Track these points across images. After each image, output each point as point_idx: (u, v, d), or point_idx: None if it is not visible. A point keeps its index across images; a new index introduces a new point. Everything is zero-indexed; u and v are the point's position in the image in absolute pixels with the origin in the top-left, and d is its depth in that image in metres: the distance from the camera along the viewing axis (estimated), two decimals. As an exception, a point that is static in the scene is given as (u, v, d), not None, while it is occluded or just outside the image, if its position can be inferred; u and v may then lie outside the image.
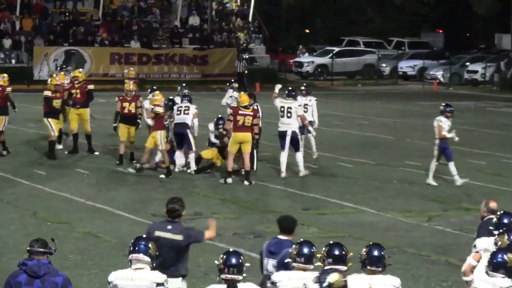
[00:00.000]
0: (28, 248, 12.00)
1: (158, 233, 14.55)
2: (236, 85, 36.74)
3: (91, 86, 34.40)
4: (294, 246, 12.72)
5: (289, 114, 31.20)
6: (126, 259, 14.33)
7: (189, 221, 22.79)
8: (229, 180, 28.99)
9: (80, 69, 36.23)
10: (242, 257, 12.18)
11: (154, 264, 12.58)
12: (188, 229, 15.26)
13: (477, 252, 14.28)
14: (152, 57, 59.92)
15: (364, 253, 12.62)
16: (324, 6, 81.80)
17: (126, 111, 30.90)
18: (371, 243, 13.15)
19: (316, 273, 12.24)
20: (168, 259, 14.28)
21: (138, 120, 31.59)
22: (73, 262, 17.11)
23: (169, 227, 14.67)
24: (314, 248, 12.62)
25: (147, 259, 12.38)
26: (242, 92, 31.92)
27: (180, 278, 13.12)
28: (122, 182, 28.89)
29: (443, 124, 28.62)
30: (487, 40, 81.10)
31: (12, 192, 26.96)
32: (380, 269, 12.54)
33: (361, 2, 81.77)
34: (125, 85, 31.56)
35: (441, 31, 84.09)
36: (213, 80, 53.22)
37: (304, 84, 37.10)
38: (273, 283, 12.48)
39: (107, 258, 18.57)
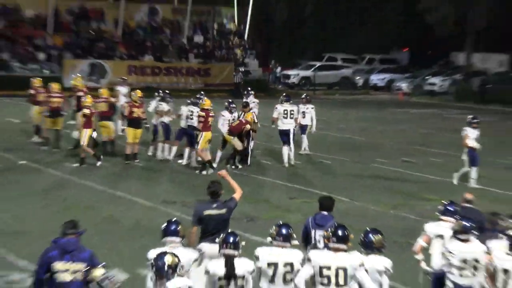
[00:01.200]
0: (62, 227, 12.33)
1: (207, 212, 14.97)
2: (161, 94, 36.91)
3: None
4: (274, 227, 12.83)
5: (291, 115, 31.65)
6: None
7: (192, 208, 23.09)
8: (204, 172, 29.17)
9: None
10: (238, 237, 12.51)
11: (183, 242, 12.78)
12: (226, 202, 15.46)
13: (427, 235, 14.62)
14: (163, 69, 59.99)
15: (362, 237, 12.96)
16: (310, 27, 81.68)
17: (135, 115, 30.64)
18: (367, 229, 13.24)
19: (296, 250, 12.65)
20: (217, 231, 14.52)
21: (147, 125, 31.62)
22: (97, 241, 17.07)
23: (214, 205, 15.09)
24: (291, 229, 12.72)
25: (178, 239, 12.60)
26: (205, 98, 31.73)
27: None
28: (137, 175, 28.82)
29: (468, 133, 28.16)
30: (445, 57, 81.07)
31: (46, 182, 27.02)
32: (371, 250, 12.73)
33: (340, 24, 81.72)
34: (136, 93, 31.37)
35: (406, 49, 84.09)
36: (214, 89, 53.11)
37: (305, 94, 37.04)
38: (256, 257, 12.48)
39: (125, 238, 18.79)
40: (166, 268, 10.99)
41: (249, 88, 38.12)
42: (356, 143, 38.86)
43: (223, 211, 15.15)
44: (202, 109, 30.15)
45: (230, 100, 33.56)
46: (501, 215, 14.54)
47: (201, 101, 31.00)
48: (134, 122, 30.70)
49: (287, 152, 31.38)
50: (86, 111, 30.14)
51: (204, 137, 29.40)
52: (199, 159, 30.15)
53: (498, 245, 13.61)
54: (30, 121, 35.29)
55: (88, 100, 30.36)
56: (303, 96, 35.84)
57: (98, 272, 11.53)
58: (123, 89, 37.73)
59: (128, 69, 59.22)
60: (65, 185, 26.79)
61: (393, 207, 24.31)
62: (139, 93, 31.69)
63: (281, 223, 12.94)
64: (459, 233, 13.61)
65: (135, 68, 60.09)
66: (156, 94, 33.11)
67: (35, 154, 31.97)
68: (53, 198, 24.52)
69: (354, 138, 40.39)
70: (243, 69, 63.10)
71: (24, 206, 23.16)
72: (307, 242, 14.27)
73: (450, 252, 13.33)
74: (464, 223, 13.64)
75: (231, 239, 12.31)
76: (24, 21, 62.41)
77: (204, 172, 29.10)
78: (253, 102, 34.05)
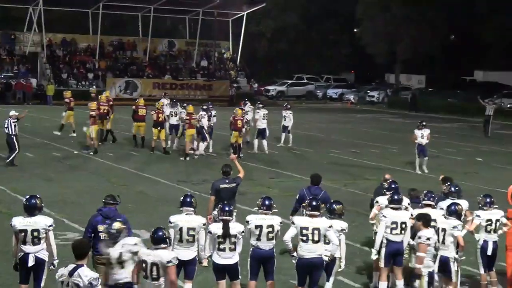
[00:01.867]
0: (103, 200, 12.50)
1: (221, 186, 15.47)
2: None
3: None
4: (259, 200, 12.88)
5: (266, 118, 32.04)
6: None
7: (199, 185, 23.18)
8: (187, 158, 29.15)
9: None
10: (232, 206, 12.48)
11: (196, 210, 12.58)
12: (234, 179, 15.90)
13: (379, 205, 14.29)
14: (178, 85, 59.54)
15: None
16: (284, 55, 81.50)
17: (160, 119, 30.27)
18: (332, 200, 13.60)
19: (276, 216, 12.62)
20: (228, 199, 14.42)
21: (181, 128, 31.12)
22: (132, 208, 17.43)
23: (227, 181, 15.66)
24: (272, 201, 12.74)
25: (192, 209, 12.42)
26: (190, 104, 31.69)
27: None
28: (160, 161, 28.81)
29: (416, 133, 27.86)
30: (380, 77, 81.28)
31: (94, 166, 27.14)
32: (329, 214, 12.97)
33: (306, 53, 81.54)
34: (159, 103, 31.53)
35: (353, 72, 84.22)
36: (215, 99, 52.40)
37: (286, 103, 37.22)
38: (247, 222, 12.50)
39: (152, 208, 18.74)
40: (114, 232, 10.97)
41: (246, 99, 38.44)
42: (318, 138, 38.84)
43: (233, 185, 15.75)
44: (187, 113, 30.07)
45: (207, 104, 33.59)
46: (417, 190, 14.71)
47: (187, 106, 31.02)
48: (158, 124, 30.31)
49: (266, 143, 31.64)
50: (92, 113, 29.66)
51: (187, 132, 29.51)
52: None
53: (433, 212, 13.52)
54: (68, 121, 35.16)
55: (92, 105, 29.88)
56: (285, 104, 36.33)
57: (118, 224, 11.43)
58: (165, 101, 37.14)
59: (153, 85, 59.13)
60: (107, 168, 26.95)
61: (344, 184, 24.37)
62: (162, 103, 31.62)
63: (264, 196, 12.98)
64: (391, 203, 13.53)
65: (158, 84, 59.66)
66: (204, 106, 32.57)
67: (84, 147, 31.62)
68: (99, 178, 24.78)
69: (316, 135, 40.36)
70: (235, 85, 63.15)
71: (79, 183, 23.50)
72: (298, 208, 14.03)
73: (384, 217, 13.27)
74: (395, 196, 13.53)
75: (227, 208, 12.23)
76: (79, 50, 62.16)
77: (187, 159, 29.16)
78: (249, 108, 33.88)
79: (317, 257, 12.28)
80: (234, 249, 12.13)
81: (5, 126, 25.87)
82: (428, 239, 12.37)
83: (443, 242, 12.88)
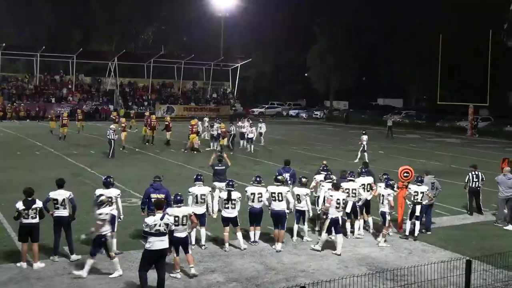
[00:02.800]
0: (153, 178, 12.43)
1: (216, 168, 15.56)
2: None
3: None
4: (253, 177, 12.89)
5: (246, 125, 31.90)
6: (187, 182, 14.40)
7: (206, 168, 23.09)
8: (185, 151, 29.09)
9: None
10: (233, 181, 12.52)
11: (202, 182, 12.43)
12: (225, 162, 15.80)
13: (316, 180, 14.12)
14: (199, 109, 59.62)
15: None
16: (262, 89, 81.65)
17: (194, 130, 29.76)
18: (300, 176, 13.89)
19: (263, 187, 12.59)
20: (222, 176, 15.14)
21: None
22: (169, 184, 16.70)
23: (220, 164, 15.70)
24: (260, 178, 12.69)
25: (201, 182, 12.32)
26: (195, 119, 31.75)
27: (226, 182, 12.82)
28: (185, 156, 28.49)
29: (362, 137, 27.09)
30: (321, 102, 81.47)
31: (147, 158, 26.87)
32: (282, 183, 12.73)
33: (276, 88, 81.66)
34: (192, 121, 30.56)
35: (304, 99, 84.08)
36: (221, 117, 52.93)
37: (261, 119, 37.85)
38: (245, 191, 12.48)
39: (184, 181, 18.42)
40: (98, 201, 10.24)
41: (245, 116, 38.74)
42: (283, 140, 37.95)
43: (224, 167, 15.64)
44: (190, 125, 29.87)
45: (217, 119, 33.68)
46: (346, 171, 14.16)
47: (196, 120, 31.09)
48: (195, 133, 29.90)
49: (251, 145, 31.06)
50: (122, 124, 30.77)
51: (191, 137, 29.50)
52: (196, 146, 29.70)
53: (354, 184, 13.47)
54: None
55: (122, 120, 31.00)
56: (260, 119, 36.60)
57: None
58: (206, 118, 37.36)
59: (183, 109, 59.09)
60: (153, 159, 26.61)
61: (299, 167, 23.10)
62: (195, 121, 30.84)
63: (257, 175, 12.94)
64: (326, 179, 13.68)
65: (186, 108, 59.72)
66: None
67: (141, 147, 31.74)
68: (149, 164, 24.40)
69: (282, 138, 39.47)
70: (234, 109, 63.08)
71: (139, 168, 23.28)
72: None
73: (323, 186, 13.25)
74: (336, 179, 13.60)
75: (231, 183, 12.39)
76: (138, 88, 62.21)
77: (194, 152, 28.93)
78: (248, 122, 32.92)
79: (282, 210, 12.34)
80: (234, 208, 12.03)
81: (107, 134, 26.82)
82: (331, 196, 12.15)
83: (382, 203, 12.90)
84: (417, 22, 62.35)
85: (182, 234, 10.39)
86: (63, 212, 11.07)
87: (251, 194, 12.39)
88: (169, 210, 10.43)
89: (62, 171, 20.79)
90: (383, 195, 12.94)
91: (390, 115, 55.84)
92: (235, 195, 12.14)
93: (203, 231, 12.13)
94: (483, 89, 45.52)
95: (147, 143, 32.69)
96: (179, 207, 10.60)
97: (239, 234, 12.12)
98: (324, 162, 15.77)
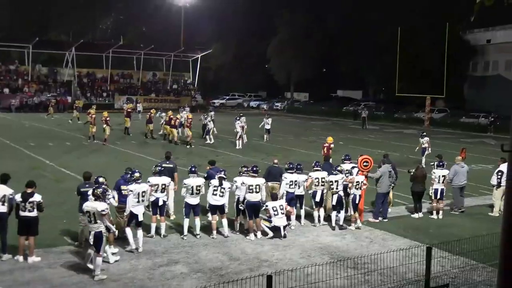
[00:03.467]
0: (125, 170, 12.36)
1: (164, 165, 13.60)
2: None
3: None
4: (240, 168, 13.25)
5: (208, 119, 31.49)
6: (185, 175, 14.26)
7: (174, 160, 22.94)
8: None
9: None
10: (224, 171, 12.59)
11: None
12: (173, 160, 14.89)
13: (311, 177, 13.77)
14: (159, 100, 59.07)
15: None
16: (223, 80, 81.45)
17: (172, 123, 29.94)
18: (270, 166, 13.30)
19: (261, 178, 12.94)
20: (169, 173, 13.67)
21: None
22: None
23: (168, 161, 14.35)
24: (250, 167, 13.00)
25: (195, 174, 12.48)
26: (170, 111, 31.34)
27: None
28: (146, 147, 28.24)
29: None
30: (282, 94, 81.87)
31: (157, 144, 26.55)
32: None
33: (237, 79, 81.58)
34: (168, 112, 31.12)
35: (265, 92, 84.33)
36: (181, 107, 52.54)
37: (240, 113, 35.16)
38: (235, 181, 12.74)
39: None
40: (92, 196, 10.03)
41: (210, 108, 38.39)
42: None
43: (172, 165, 14.22)
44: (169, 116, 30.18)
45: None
46: (316, 162, 14.23)
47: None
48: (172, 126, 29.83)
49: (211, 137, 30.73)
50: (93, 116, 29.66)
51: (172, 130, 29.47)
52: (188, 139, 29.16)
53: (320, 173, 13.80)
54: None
55: (104, 114, 29.27)
56: (266, 114, 35.25)
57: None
58: (187, 108, 36.94)
59: (143, 100, 57.98)
60: (164, 145, 26.29)
61: (262, 158, 23.71)
62: (170, 113, 30.89)
63: (254, 165, 13.33)
64: (288, 169, 13.73)
65: (148, 99, 58.97)
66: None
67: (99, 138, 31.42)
68: (159, 150, 24.13)
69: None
70: (195, 100, 62.77)
71: (153, 151, 22.92)
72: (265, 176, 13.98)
73: (285, 177, 13.41)
74: (291, 165, 13.69)
75: (223, 173, 12.52)
76: (97, 79, 61.06)
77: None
78: (212, 114, 33.35)
79: (258, 201, 12.59)
80: (222, 196, 12.25)
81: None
82: (310, 175, 13.50)
83: (336, 187, 13.38)
84: (377, 14, 63.16)
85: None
86: (2, 208, 10.63)
87: (242, 184, 12.64)
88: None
89: (19, 164, 20.31)
90: (336, 181, 13.51)
91: (363, 107, 56.41)
92: (226, 184, 12.37)
93: (197, 221, 12.29)
94: (440, 81, 46.57)
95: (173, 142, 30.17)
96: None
97: (225, 221, 12.36)
98: (276, 160, 15.26)
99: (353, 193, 13.54)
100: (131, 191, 11.33)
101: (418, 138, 26.84)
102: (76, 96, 56.42)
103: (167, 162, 14.20)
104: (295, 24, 70.50)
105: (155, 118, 33.24)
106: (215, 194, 12.21)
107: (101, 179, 10.94)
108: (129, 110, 34.02)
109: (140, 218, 11.24)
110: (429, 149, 24.63)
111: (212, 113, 34.47)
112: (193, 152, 26.63)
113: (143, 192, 11.33)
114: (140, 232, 11.28)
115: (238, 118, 30.77)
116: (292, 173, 13.57)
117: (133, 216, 11.25)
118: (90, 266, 9.95)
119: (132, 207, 11.25)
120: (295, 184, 13.44)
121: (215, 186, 12.20)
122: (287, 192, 13.35)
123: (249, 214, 12.54)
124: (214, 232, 12.30)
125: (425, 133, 25.53)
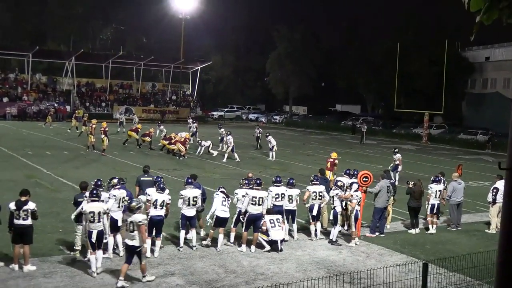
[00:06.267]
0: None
1: (142, 178, 14.09)
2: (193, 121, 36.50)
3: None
4: (241, 180, 13.19)
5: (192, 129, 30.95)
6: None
7: (171, 171, 22.89)
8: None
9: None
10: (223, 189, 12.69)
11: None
12: (151, 174, 14.54)
13: (308, 191, 13.81)
14: (158, 111, 59.22)
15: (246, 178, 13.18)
16: (222, 93, 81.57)
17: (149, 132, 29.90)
18: (273, 178, 13.48)
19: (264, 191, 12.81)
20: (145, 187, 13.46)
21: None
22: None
23: (145, 175, 14.25)
24: (254, 179, 13.04)
25: (192, 186, 12.46)
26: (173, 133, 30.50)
27: None
28: (143, 158, 28.14)
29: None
30: (280, 107, 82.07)
31: (156, 153, 26.66)
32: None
33: (236, 92, 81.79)
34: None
35: (263, 105, 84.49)
36: (181, 120, 52.51)
37: (219, 124, 35.89)
38: (236, 193, 12.73)
39: None
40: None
41: (208, 118, 38.28)
42: (242, 144, 36.09)
43: (150, 178, 13.97)
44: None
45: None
46: (315, 176, 14.32)
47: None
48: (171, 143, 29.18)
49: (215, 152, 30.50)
50: (93, 126, 29.47)
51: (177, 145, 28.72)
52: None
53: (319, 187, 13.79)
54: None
55: (103, 124, 28.95)
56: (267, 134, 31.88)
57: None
58: (192, 121, 36.89)
59: (142, 111, 58.15)
60: (161, 155, 26.17)
61: (259, 171, 23.13)
62: (174, 134, 30.42)
63: (256, 177, 13.53)
64: (274, 183, 13.55)
65: (146, 110, 59.04)
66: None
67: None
68: (157, 161, 24.02)
69: (242, 142, 37.89)
70: (194, 111, 62.76)
71: (151, 161, 22.67)
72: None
73: (271, 191, 13.25)
74: (278, 179, 13.53)
75: (222, 188, 12.79)
76: (96, 89, 61.13)
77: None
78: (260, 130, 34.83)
79: (260, 213, 12.56)
80: (228, 209, 12.44)
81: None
82: (307, 189, 13.56)
83: (333, 203, 13.49)
84: (375, 30, 63.59)
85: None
86: None
87: (243, 196, 12.66)
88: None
89: (16, 173, 20.24)
90: (337, 194, 13.63)
91: (362, 122, 56.44)
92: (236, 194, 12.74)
93: (193, 233, 12.32)
94: (438, 97, 46.71)
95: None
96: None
97: (221, 236, 12.37)
98: (250, 174, 14.82)
99: (355, 209, 13.39)
100: (114, 195, 11.54)
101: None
102: (75, 105, 56.46)
103: (145, 175, 14.18)
104: (292, 39, 71.04)
105: (155, 135, 33.01)
106: (224, 205, 12.31)
107: (115, 180, 11.88)
108: (137, 127, 33.33)
109: (119, 223, 11.34)
110: (400, 166, 23.90)
111: (260, 130, 35.89)
112: (189, 163, 26.52)
113: (123, 198, 11.56)
114: (119, 237, 11.49)
115: (229, 133, 30.04)
116: (278, 186, 13.42)
117: (113, 221, 11.36)
118: (99, 270, 10.26)
119: (112, 212, 11.34)
120: (282, 198, 13.31)
121: (223, 198, 12.29)
122: (274, 205, 13.21)
123: (247, 225, 12.53)
124: (220, 244, 12.31)
125: (397, 150, 24.64)
